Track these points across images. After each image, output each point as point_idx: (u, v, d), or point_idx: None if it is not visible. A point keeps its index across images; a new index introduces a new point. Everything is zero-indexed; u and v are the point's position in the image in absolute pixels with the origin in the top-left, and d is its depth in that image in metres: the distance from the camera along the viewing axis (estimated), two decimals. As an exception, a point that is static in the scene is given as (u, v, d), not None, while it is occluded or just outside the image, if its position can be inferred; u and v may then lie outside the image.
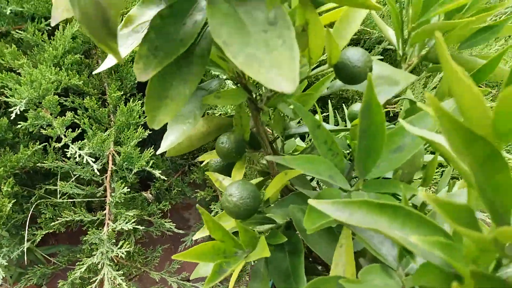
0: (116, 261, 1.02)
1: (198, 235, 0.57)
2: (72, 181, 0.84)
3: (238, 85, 0.50)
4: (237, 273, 0.56)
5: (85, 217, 0.79)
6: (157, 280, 0.93)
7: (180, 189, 1.22)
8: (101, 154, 0.90)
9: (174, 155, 0.59)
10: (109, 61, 0.44)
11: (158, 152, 0.47)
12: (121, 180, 0.84)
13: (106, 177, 0.93)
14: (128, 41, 0.40)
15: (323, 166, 0.45)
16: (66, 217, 0.77)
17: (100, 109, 1.04)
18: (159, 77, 0.37)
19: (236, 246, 0.48)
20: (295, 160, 0.45)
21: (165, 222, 0.97)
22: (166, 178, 1.18)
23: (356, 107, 0.69)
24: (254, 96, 0.52)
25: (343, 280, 0.37)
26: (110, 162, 0.98)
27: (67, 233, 1.14)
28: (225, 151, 0.54)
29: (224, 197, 0.50)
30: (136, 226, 0.78)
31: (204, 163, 0.66)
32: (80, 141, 0.89)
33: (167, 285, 1.03)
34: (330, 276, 0.40)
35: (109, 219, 0.84)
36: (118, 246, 0.77)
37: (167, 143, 0.46)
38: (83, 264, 0.73)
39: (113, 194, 0.83)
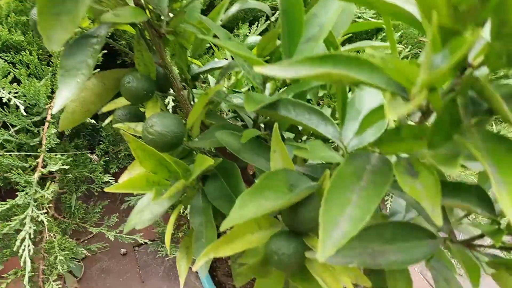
0: (55, 217, 1.02)
1: (125, 176, 0.50)
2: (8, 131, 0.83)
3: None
4: (176, 214, 0.54)
5: (14, 161, 0.78)
6: (94, 233, 0.93)
7: (128, 153, 1.22)
8: (37, 104, 0.90)
9: (69, 126, 0.53)
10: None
11: (54, 110, 0.41)
12: (53, 126, 0.84)
13: (43, 128, 0.93)
14: None
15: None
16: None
17: (42, 66, 1.04)
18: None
19: (170, 177, 0.45)
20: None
21: (105, 176, 0.97)
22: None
23: (251, 39, 0.68)
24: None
25: (297, 149, 0.38)
26: (49, 116, 0.98)
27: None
28: (133, 91, 0.49)
29: (144, 131, 0.46)
30: (63, 166, 0.77)
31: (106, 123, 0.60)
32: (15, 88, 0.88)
33: (104, 239, 1.03)
34: (278, 169, 0.41)
35: (41, 167, 0.83)
36: (46, 188, 0.77)
37: (61, 100, 0.40)
38: (6, 203, 0.72)
39: (46, 140, 0.83)
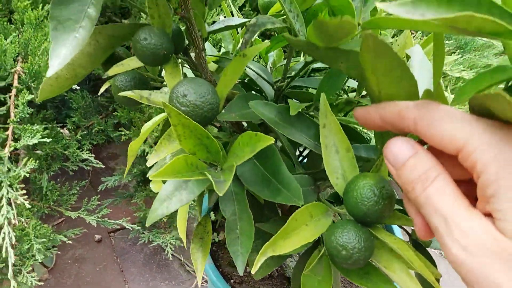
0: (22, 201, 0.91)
1: (153, 158, 0.42)
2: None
3: None
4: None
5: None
6: (63, 218, 0.83)
7: (102, 127, 1.11)
8: (3, 67, 0.78)
9: (50, 96, 0.44)
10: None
11: (49, 73, 0.33)
12: (27, 91, 0.72)
13: (10, 96, 0.81)
14: None
15: None
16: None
17: (5, 24, 0.91)
18: None
19: (208, 158, 0.39)
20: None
21: (83, 153, 0.87)
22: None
23: None
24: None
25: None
26: (16, 81, 0.86)
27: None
28: (151, 50, 0.41)
29: (174, 101, 0.39)
30: (43, 139, 0.66)
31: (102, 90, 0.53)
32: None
33: (74, 224, 0.93)
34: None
35: (11, 140, 0.73)
36: (22, 164, 0.66)
37: (59, 60, 0.33)
38: (-26, 183, 0.61)
39: (16, 110, 0.72)
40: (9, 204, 0.62)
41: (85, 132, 1.09)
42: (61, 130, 1.04)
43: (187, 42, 0.49)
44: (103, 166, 0.90)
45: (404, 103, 0.28)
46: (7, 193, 0.61)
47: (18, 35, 0.93)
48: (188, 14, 0.43)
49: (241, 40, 0.67)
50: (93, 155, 0.87)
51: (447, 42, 1.14)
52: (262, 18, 0.48)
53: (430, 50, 0.51)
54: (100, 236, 1.12)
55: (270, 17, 0.47)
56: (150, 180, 1.16)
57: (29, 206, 0.61)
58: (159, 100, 0.45)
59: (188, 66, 0.55)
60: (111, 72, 0.45)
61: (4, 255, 0.58)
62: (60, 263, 1.00)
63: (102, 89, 0.53)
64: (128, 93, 0.46)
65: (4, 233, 0.58)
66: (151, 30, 0.41)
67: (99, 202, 0.92)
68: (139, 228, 1.03)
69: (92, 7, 0.35)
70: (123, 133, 1.06)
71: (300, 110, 0.46)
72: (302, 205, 0.38)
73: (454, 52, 1.13)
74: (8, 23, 0.90)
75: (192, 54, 0.50)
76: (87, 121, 1.16)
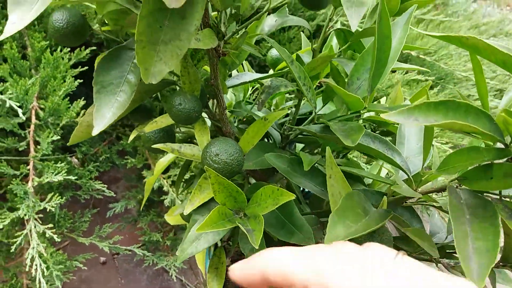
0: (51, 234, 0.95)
1: (188, 208, 0.50)
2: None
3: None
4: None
5: (6, 169, 0.72)
6: (87, 245, 0.89)
7: (108, 155, 1.17)
8: (24, 106, 0.83)
9: (79, 140, 0.51)
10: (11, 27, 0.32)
11: (95, 132, 0.38)
12: (48, 130, 0.78)
13: (29, 131, 0.87)
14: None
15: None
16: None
17: (21, 60, 0.96)
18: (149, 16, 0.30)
19: (235, 207, 0.46)
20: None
21: (96, 183, 0.93)
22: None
23: (274, 52, 0.67)
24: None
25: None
26: (34, 117, 0.91)
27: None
28: (185, 113, 0.48)
29: (208, 159, 0.46)
30: (68, 177, 0.73)
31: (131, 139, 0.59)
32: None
33: (79, 246, 0.98)
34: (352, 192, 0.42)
35: (33, 174, 0.78)
36: (47, 200, 0.72)
37: (102, 120, 0.37)
38: (5, 218, 0.66)
39: (38, 147, 0.78)
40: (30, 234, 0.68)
41: (91, 159, 1.15)
42: (70, 158, 1.10)
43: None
44: (114, 195, 0.96)
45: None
46: (35, 227, 0.67)
47: (31, 69, 0.99)
48: (217, 82, 0.50)
49: (250, 89, 0.75)
50: (104, 185, 0.93)
51: (428, 75, 1.24)
52: (276, 81, 0.56)
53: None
54: (105, 259, 1.18)
55: (283, 80, 0.55)
56: (154, 205, 1.21)
57: (57, 239, 0.67)
58: (189, 153, 0.52)
59: (207, 116, 0.62)
60: (147, 129, 0.52)
61: (38, 286, 0.64)
62: (68, 285, 1.05)
63: (130, 138, 0.59)
64: (160, 146, 0.53)
65: (36, 265, 0.64)
66: (185, 96, 0.48)
67: (111, 230, 0.98)
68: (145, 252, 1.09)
69: (132, 74, 0.42)
70: (128, 161, 1.12)
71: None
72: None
73: (436, 86, 1.22)
74: (23, 60, 0.96)
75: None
76: (92, 148, 1.22)
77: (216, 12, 0.47)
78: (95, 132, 0.38)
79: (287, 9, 0.54)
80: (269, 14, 0.55)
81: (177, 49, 0.31)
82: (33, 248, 0.64)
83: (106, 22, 0.48)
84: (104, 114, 0.39)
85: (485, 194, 0.40)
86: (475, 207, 0.36)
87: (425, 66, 1.25)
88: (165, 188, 0.99)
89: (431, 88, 1.16)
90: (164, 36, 0.31)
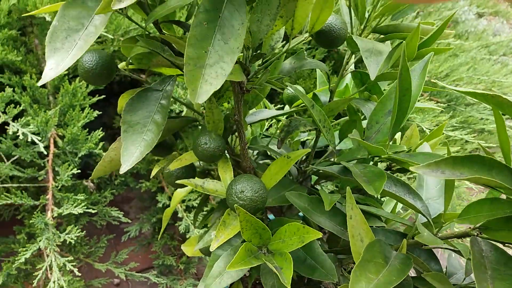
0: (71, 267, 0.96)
1: (214, 244, 0.50)
2: (11, 162, 0.77)
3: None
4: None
5: (26, 201, 0.73)
6: (104, 271, 0.90)
7: (123, 179, 1.19)
8: (43, 136, 0.85)
9: (102, 174, 0.52)
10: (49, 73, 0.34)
11: (122, 170, 0.38)
12: (67, 163, 0.80)
13: (48, 160, 0.88)
14: None
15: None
16: (6, 200, 0.71)
17: (40, 89, 0.98)
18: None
19: (260, 243, 0.47)
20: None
21: (112, 210, 0.94)
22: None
23: (290, 89, 0.70)
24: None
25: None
26: (52, 146, 0.93)
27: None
28: (211, 151, 0.50)
29: (234, 196, 0.47)
30: (88, 209, 0.74)
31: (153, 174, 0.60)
32: (20, 118, 0.83)
33: (113, 277, 1.00)
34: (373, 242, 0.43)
35: (52, 204, 0.79)
36: (66, 232, 0.73)
37: (130, 158, 0.39)
38: (26, 250, 0.68)
39: (57, 177, 0.79)
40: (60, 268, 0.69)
41: (106, 183, 1.16)
42: (86, 182, 1.11)
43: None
44: (130, 221, 0.97)
45: None
46: (55, 259, 0.68)
47: (48, 96, 1.01)
48: (240, 118, 0.51)
49: (267, 124, 0.76)
50: (121, 211, 0.94)
51: (439, 98, 1.24)
52: (296, 121, 0.57)
53: (435, 143, 0.59)
54: (118, 280, 1.18)
55: (302, 120, 0.56)
56: (168, 228, 1.22)
57: (75, 270, 0.68)
58: (212, 188, 0.53)
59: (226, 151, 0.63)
60: (172, 166, 0.53)
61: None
62: (83, 309, 1.06)
63: (153, 173, 0.61)
64: (184, 181, 0.54)
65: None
66: (210, 136, 0.50)
67: (127, 256, 0.99)
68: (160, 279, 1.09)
69: (158, 114, 0.43)
70: (143, 184, 1.14)
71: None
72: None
73: (447, 110, 1.23)
74: (42, 87, 0.98)
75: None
76: (106, 171, 1.23)
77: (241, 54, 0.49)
78: (122, 170, 0.38)
79: (305, 52, 0.55)
80: (287, 57, 0.56)
81: (221, 69, 0.32)
82: (54, 282, 0.65)
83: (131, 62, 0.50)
84: (131, 153, 0.40)
85: (506, 244, 0.40)
86: (496, 263, 0.36)
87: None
88: (179, 214, 1.00)
89: (442, 112, 1.17)
90: (208, 60, 0.32)
